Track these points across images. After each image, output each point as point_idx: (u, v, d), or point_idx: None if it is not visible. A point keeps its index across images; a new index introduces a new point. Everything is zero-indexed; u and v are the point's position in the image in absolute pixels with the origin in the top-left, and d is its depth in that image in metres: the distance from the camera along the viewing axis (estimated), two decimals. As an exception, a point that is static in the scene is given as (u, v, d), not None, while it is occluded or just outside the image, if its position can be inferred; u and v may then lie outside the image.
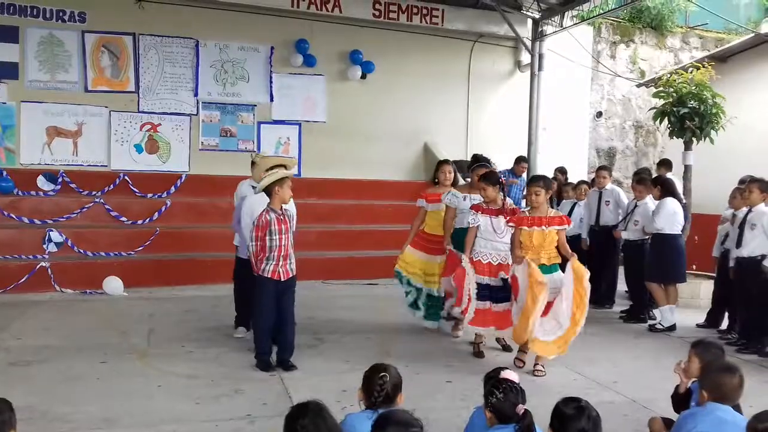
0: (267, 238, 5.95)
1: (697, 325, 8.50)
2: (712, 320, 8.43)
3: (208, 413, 4.94)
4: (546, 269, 6.11)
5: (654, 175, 9.66)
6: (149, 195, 11.44)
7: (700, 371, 4.09)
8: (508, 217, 6.43)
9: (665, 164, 10.03)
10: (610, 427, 4.79)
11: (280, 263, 6.05)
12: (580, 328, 6.08)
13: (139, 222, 11.02)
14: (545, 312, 6.08)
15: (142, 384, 5.59)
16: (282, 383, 5.72)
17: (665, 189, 8.29)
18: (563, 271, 6.18)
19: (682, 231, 8.34)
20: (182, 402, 5.16)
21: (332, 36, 12.68)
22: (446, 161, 8.03)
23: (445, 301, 7.46)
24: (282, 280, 6.08)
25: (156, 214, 11.15)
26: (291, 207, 6.79)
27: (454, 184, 7.70)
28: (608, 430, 4.62)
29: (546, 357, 6.23)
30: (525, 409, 3.34)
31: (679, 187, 9.06)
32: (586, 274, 6.03)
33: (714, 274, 8.81)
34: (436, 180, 7.76)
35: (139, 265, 10.24)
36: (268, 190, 6.06)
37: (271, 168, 6.36)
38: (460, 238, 6.93)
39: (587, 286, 6.03)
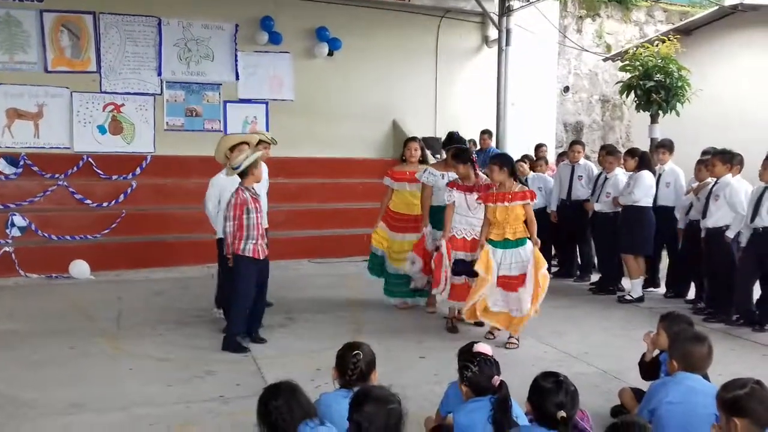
0: (244, 216, 5.91)
1: (664, 295, 8.62)
2: (679, 291, 8.54)
3: (180, 395, 4.88)
4: (512, 244, 6.20)
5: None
6: (114, 177, 11.24)
7: (668, 343, 4.16)
8: (476, 194, 6.51)
9: (665, 146, 9.42)
10: (582, 398, 4.86)
11: (259, 242, 6.03)
12: (533, 314, 6.26)
13: (105, 204, 10.82)
14: (512, 288, 6.16)
15: (112, 368, 5.52)
16: (255, 363, 5.68)
17: (643, 161, 8.31)
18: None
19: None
20: (154, 384, 5.09)
21: (298, 13, 12.50)
22: (413, 138, 8.01)
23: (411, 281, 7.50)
24: (261, 258, 6.07)
25: (122, 196, 10.97)
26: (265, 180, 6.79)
27: (423, 161, 7.70)
28: (582, 401, 4.70)
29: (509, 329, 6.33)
30: (501, 381, 3.37)
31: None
32: (544, 265, 6.19)
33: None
34: (404, 157, 7.74)
35: (105, 248, 10.07)
36: (244, 172, 6.01)
37: (236, 146, 6.32)
38: (438, 215, 7.01)
39: (544, 275, 6.20)
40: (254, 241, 5.97)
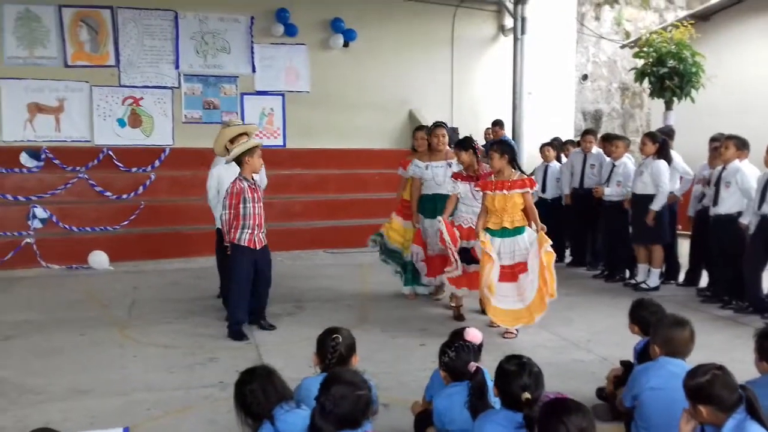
0: (240, 206, 5.97)
1: (676, 284, 8.56)
2: (691, 279, 8.47)
3: (181, 381, 5.00)
4: (509, 232, 6.16)
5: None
6: (133, 169, 11.45)
7: (638, 330, 4.24)
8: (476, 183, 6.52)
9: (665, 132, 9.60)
10: (576, 384, 4.90)
11: (255, 232, 6.08)
12: (549, 299, 6.08)
13: (124, 196, 11.04)
14: (513, 278, 6.14)
15: (118, 355, 5.65)
16: (257, 350, 5.78)
17: (663, 148, 8.12)
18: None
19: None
20: (156, 371, 5.22)
21: (313, 4, 12.60)
22: (419, 128, 8.05)
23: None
24: (257, 248, 6.12)
25: (141, 188, 11.18)
26: (263, 177, 6.83)
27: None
28: (573, 388, 4.75)
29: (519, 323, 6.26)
30: (477, 367, 3.40)
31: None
32: (547, 242, 5.99)
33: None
34: (414, 147, 7.79)
35: (124, 239, 10.29)
36: (239, 160, 6.07)
37: (236, 137, 6.38)
38: (427, 205, 7.22)
39: (548, 251, 5.99)
40: (250, 231, 6.02)
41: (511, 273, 6.16)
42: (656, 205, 7.80)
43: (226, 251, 6.20)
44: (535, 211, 6.30)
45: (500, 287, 6.10)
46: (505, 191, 6.08)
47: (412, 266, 7.64)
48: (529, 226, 6.23)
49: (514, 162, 6.24)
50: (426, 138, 7.62)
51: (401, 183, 7.84)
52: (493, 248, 6.10)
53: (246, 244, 6.04)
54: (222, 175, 6.63)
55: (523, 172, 6.36)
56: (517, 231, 6.18)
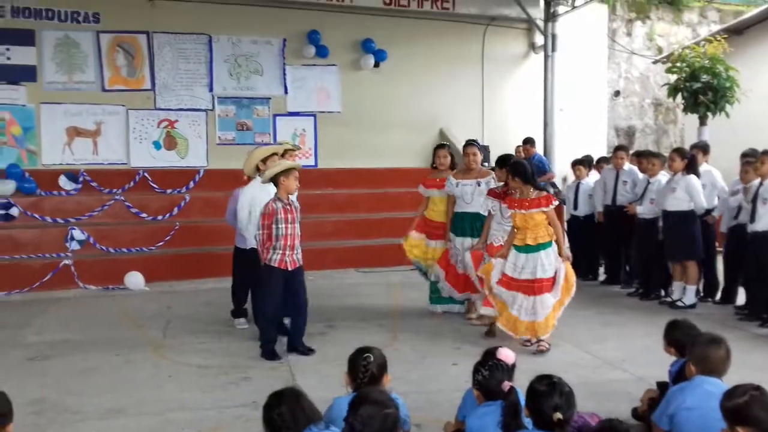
0: (273, 226, 6.02)
1: (713, 301, 8.41)
2: (727, 296, 8.33)
3: (214, 401, 5.05)
4: (533, 249, 6.22)
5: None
6: (169, 191, 11.61)
7: (674, 351, 4.20)
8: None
9: (700, 147, 9.07)
10: (611, 404, 4.84)
11: (287, 253, 6.11)
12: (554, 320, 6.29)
13: (159, 218, 11.19)
14: (531, 292, 6.19)
15: (153, 375, 5.72)
16: (290, 370, 5.82)
17: (692, 164, 8.06)
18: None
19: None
20: (190, 391, 5.27)
21: (344, 26, 12.70)
22: (440, 146, 8.10)
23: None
24: (289, 269, 6.15)
25: (176, 209, 11.31)
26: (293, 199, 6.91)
27: (453, 167, 7.76)
28: (609, 408, 4.69)
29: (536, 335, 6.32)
30: (510, 386, 3.38)
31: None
32: (571, 275, 6.30)
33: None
34: (434, 165, 7.85)
35: (159, 260, 10.41)
36: (274, 180, 6.13)
37: (267, 158, 6.46)
38: (456, 223, 7.40)
39: (571, 286, 6.30)
40: (281, 252, 6.06)
41: (530, 287, 6.15)
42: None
43: (246, 270, 6.25)
44: (559, 227, 6.32)
45: (517, 297, 6.20)
46: (523, 210, 6.15)
47: (435, 284, 7.70)
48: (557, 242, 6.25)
49: (528, 181, 6.22)
50: (448, 155, 7.66)
51: (423, 201, 7.93)
52: (504, 264, 6.27)
53: (276, 265, 6.08)
54: (256, 195, 6.68)
55: (541, 189, 6.34)
56: (541, 247, 6.18)
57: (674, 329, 4.33)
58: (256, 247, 6.31)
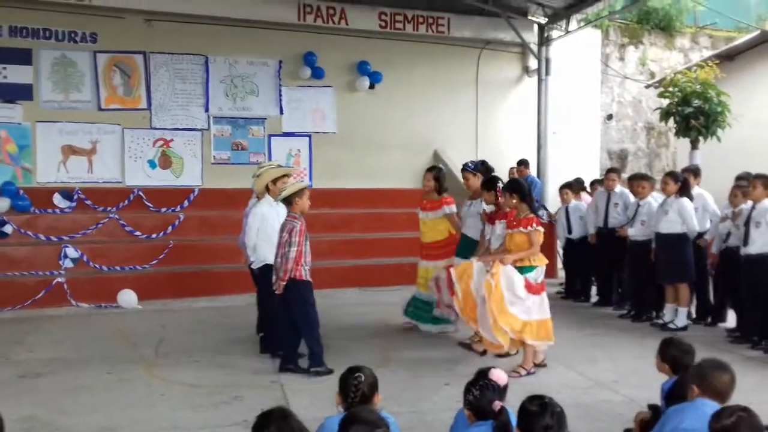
0: (305, 243, 6.20)
1: (704, 323, 8.45)
2: (716, 317, 8.38)
3: (206, 420, 5.04)
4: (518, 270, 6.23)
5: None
6: (163, 209, 11.64)
7: (667, 369, 4.23)
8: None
9: (691, 171, 9.23)
10: (602, 425, 4.86)
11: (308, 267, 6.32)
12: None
13: (153, 236, 11.20)
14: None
15: (145, 393, 5.71)
16: (282, 389, 5.81)
17: (685, 187, 8.15)
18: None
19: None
20: (182, 410, 5.26)
21: (340, 48, 12.83)
22: (429, 169, 8.18)
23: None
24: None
25: (170, 227, 11.34)
26: None
27: (439, 191, 7.79)
28: (600, 429, 4.71)
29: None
30: (501, 406, 3.38)
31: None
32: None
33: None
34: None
35: (153, 278, 10.40)
36: (289, 200, 6.23)
37: (279, 178, 6.58)
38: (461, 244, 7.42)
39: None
40: (308, 267, 6.28)
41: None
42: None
43: (272, 287, 6.27)
44: (533, 251, 6.21)
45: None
46: (508, 230, 6.23)
47: (420, 302, 7.75)
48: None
49: (524, 199, 6.27)
50: (431, 179, 7.72)
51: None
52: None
53: (310, 278, 6.28)
54: (266, 213, 6.81)
55: (534, 210, 6.39)
56: (521, 270, 6.18)
57: (669, 347, 4.32)
58: (270, 263, 6.46)
